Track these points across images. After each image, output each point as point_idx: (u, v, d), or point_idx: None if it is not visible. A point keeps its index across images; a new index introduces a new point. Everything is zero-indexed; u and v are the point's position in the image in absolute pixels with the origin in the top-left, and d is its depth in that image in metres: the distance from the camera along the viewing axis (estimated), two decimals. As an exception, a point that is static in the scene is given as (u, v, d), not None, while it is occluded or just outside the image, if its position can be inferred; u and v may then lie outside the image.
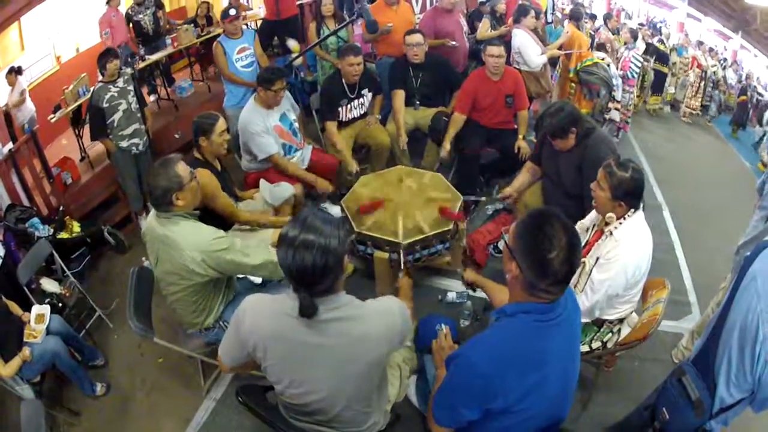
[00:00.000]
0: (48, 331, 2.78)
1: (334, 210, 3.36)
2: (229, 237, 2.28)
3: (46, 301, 3.13)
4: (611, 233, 2.30)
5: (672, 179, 5.53)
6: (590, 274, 2.32)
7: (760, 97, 11.34)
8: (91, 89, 3.96)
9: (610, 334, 2.46)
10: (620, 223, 2.29)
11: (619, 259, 2.24)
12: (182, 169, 2.20)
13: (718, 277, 3.04)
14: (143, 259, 3.53)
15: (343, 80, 4.02)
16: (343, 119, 4.17)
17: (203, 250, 2.17)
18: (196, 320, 2.46)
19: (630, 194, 2.24)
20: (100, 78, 3.82)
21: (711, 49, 9.58)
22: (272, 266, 2.29)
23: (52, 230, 3.63)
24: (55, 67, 5.23)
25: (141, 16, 5.62)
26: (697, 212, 4.91)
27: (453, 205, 3.28)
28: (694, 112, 8.44)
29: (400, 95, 4.31)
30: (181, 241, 2.18)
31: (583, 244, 2.50)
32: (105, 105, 3.76)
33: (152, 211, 2.30)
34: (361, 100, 4.20)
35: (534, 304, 1.46)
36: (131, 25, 5.60)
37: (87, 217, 4.19)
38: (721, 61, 10.85)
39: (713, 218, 4.83)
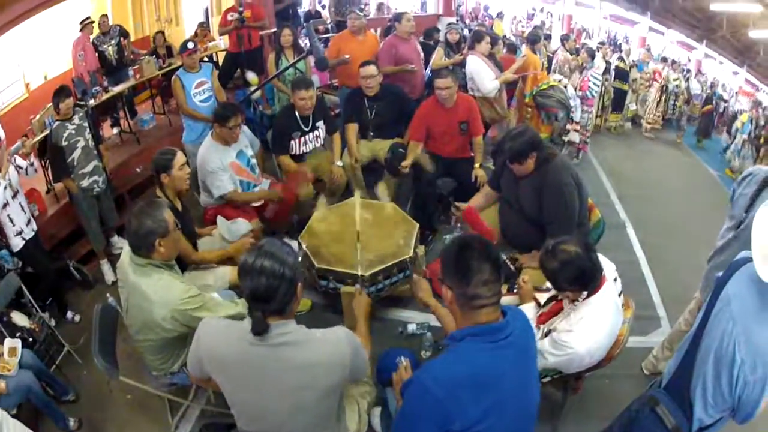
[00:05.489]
0: (20, 365, 2.74)
1: (292, 245, 3.35)
2: (201, 295, 2.23)
3: (17, 335, 3.06)
4: (569, 314, 2.12)
5: (634, 195, 5.61)
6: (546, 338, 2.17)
7: (725, 104, 11.58)
8: (49, 129, 3.87)
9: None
10: (575, 305, 2.11)
11: (571, 348, 2.05)
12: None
13: (686, 288, 3.03)
14: (108, 295, 3.49)
15: (296, 113, 3.97)
16: (297, 153, 4.10)
17: (174, 308, 2.13)
18: (162, 366, 2.43)
19: (572, 281, 2.02)
20: (56, 117, 3.74)
21: (673, 62, 9.69)
22: (238, 317, 2.25)
23: (20, 263, 3.53)
24: (25, 95, 5.18)
25: (105, 46, 5.62)
26: (662, 226, 5.00)
27: (410, 233, 3.31)
28: (655, 126, 8.49)
29: (353, 129, 4.27)
30: (151, 296, 2.14)
31: (547, 298, 2.40)
32: (64, 143, 3.67)
33: (126, 248, 2.24)
34: (315, 132, 4.13)
35: (480, 327, 1.51)
36: (96, 54, 5.58)
37: (53, 250, 4.08)
38: (684, 73, 11.01)
39: (678, 230, 4.92)
